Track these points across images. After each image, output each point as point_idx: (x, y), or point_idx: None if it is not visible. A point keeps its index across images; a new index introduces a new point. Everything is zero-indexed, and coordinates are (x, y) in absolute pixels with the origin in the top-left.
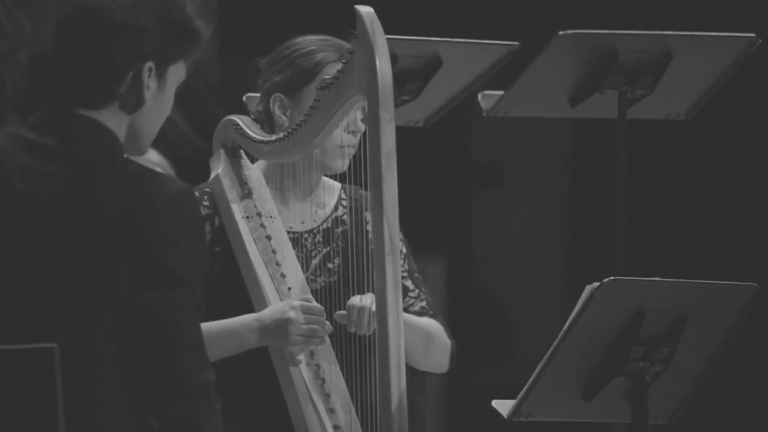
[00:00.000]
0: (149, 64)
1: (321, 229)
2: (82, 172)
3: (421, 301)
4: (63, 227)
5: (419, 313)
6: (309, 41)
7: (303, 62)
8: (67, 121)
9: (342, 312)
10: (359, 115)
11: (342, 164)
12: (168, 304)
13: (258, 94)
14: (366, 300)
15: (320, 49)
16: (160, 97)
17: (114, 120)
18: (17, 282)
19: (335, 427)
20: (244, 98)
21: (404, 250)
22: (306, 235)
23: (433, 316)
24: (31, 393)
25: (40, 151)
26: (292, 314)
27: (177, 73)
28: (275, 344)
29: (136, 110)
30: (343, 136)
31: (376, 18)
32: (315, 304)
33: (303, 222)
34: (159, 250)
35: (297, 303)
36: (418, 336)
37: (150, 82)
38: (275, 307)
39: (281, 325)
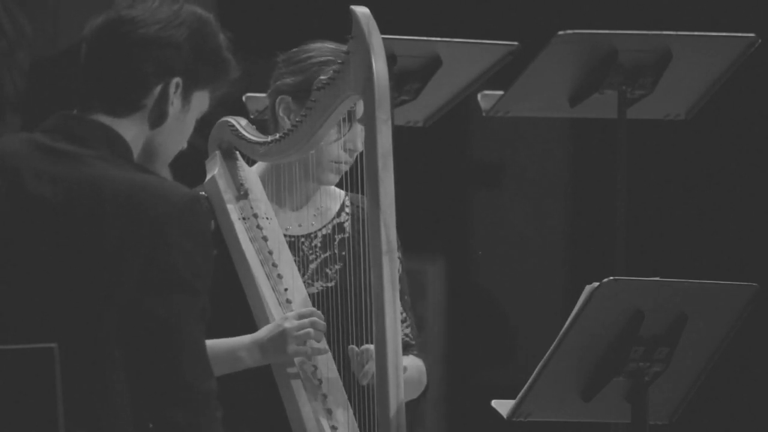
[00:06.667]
0: (177, 79)
1: (319, 234)
2: (92, 176)
3: (406, 327)
4: (72, 230)
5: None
6: (326, 50)
7: (316, 71)
8: (80, 126)
9: (354, 348)
10: (360, 135)
11: (333, 179)
12: (173, 309)
13: (257, 95)
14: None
15: (335, 60)
16: (182, 118)
17: (133, 131)
18: (24, 283)
19: (333, 427)
20: (243, 98)
21: (400, 269)
22: (303, 239)
23: (413, 347)
24: (31, 393)
25: (52, 155)
26: (286, 324)
27: (201, 100)
28: (275, 360)
29: (159, 124)
30: (339, 152)
31: (371, 18)
32: (309, 309)
33: (300, 225)
34: (166, 257)
35: (290, 314)
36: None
37: (175, 99)
38: (269, 325)
39: (277, 338)
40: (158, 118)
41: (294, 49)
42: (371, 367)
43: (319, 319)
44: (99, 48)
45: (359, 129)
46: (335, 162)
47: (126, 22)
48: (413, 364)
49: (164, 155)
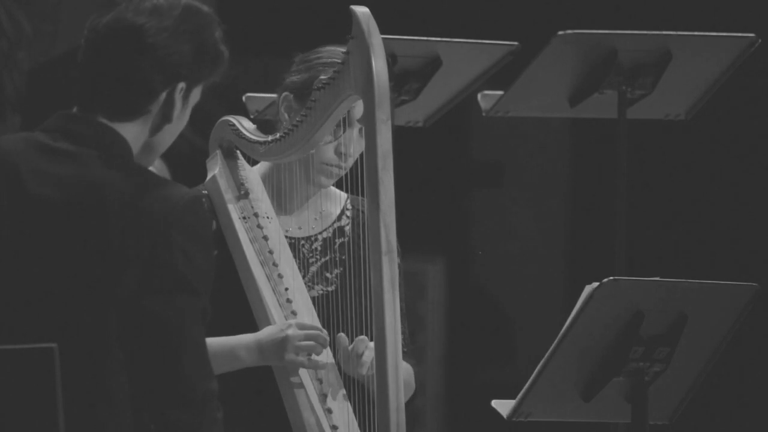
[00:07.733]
0: (182, 84)
1: (320, 237)
2: (92, 176)
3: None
4: (72, 230)
5: None
6: (336, 53)
7: (320, 71)
8: (81, 126)
9: (343, 336)
10: (355, 140)
11: (324, 182)
12: (173, 310)
13: (257, 94)
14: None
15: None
16: (180, 116)
17: (134, 132)
18: (25, 282)
19: (333, 427)
20: (243, 98)
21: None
22: (303, 242)
23: (405, 354)
24: (31, 393)
25: (52, 155)
26: (289, 332)
27: (197, 94)
28: (271, 363)
29: (162, 127)
30: (331, 155)
31: (371, 18)
32: (312, 323)
33: (300, 228)
34: (167, 257)
35: (294, 321)
36: None
37: (177, 102)
38: (272, 327)
39: (278, 343)
40: (162, 122)
41: (309, 51)
42: (368, 356)
43: (321, 333)
44: (105, 54)
45: (355, 134)
46: (326, 164)
47: (134, 30)
48: (405, 367)
49: (160, 150)
